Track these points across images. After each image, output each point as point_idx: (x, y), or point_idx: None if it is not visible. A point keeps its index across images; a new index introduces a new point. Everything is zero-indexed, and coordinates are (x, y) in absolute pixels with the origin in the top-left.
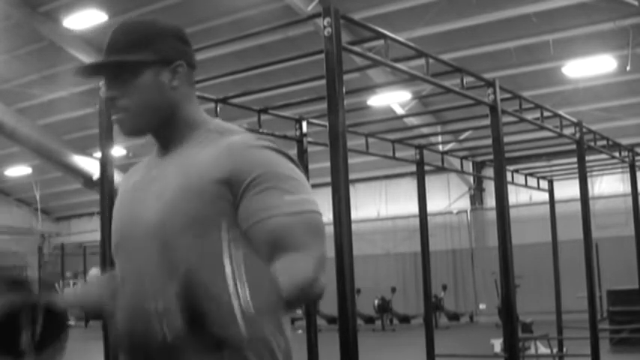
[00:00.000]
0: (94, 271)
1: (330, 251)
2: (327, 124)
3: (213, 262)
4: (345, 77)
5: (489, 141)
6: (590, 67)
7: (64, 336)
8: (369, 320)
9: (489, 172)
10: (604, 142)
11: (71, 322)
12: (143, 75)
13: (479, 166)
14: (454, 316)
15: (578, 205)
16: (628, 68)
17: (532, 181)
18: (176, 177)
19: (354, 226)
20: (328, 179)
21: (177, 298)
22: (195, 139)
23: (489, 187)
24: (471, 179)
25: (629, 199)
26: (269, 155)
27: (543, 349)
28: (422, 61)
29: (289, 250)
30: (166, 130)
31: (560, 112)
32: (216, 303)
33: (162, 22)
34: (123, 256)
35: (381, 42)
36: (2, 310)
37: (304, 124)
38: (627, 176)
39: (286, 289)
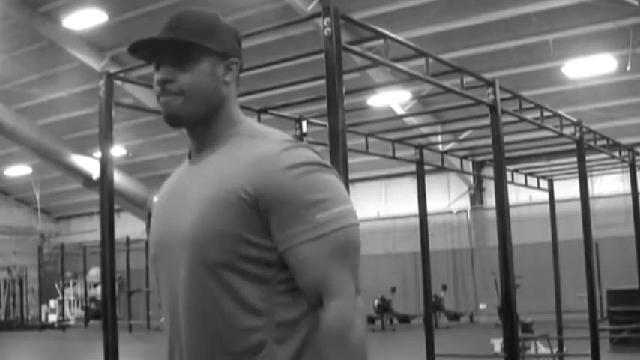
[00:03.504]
0: (94, 271)
1: None
2: (327, 124)
3: None
4: (345, 77)
5: (489, 141)
6: (590, 67)
7: None
8: (369, 320)
9: (489, 171)
10: (604, 142)
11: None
12: (202, 62)
13: (479, 166)
14: (454, 316)
15: (578, 205)
16: (628, 68)
17: (532, 181)
18: (205, 188)
19: None
20: None
21: None
22: (227, 144)
23: (489, 186)
24: (471, 179)
25: (629, 199)
26: (303, 179)
27: (543, 349)
28: (422, 61)
29: (324, 292)
30: (206, 125)
31: (560, 112)
32: None
33: (223, 19)
34: (160, 267)
35: (381, 42)
36: None
37: (304, 124)
38: (627, 176)
39: None
